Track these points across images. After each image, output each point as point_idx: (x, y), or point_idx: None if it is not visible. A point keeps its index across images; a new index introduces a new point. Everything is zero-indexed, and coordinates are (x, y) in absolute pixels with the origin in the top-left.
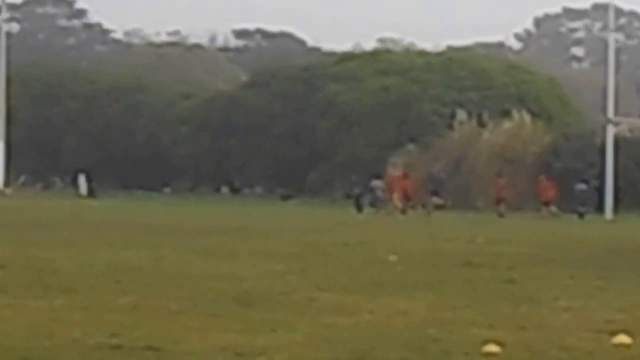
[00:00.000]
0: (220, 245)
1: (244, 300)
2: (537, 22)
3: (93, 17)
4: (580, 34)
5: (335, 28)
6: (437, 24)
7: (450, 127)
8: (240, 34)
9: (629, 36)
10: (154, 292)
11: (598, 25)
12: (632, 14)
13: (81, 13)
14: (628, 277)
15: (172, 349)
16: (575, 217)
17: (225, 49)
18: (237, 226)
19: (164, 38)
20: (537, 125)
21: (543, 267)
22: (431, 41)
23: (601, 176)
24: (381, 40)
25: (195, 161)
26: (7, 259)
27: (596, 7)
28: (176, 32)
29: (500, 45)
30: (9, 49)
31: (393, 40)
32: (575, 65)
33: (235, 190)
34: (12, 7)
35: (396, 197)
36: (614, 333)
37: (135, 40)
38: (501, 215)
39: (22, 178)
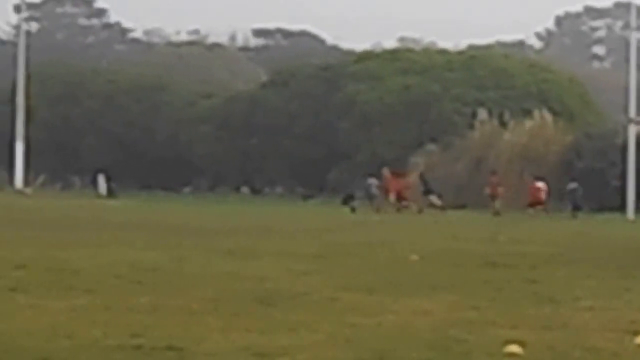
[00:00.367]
0: (241, 245)
1: (265, 300)
2: (558, 20)
3: (112, 17)
4: (601, 33)
5: (355, 27)
6: (458, 23)
7: (471, 126)
8: (260, 33)
9: None
10: (175, 292)
11: (619, 24)
12: None
13: (101, 12)
14: None
15: (193, 349)
16: (593, 216)
17: (245, 48)
18: (258, 226)
19: (183, 37)
20: (559, 124)
21: (565, 267)
22: (452, 40)
23: (623, 176)
24: (401, 39)
25: (215, 161)
26: (27, 259)
27: (618, 5)
28: (196, 32)
29: (521, 44)
30: (28, 48)
31: (413, 39)
32: (596, 64)
33: (255, 190)
34: (31, 6)
35: (392, 197)
36: (637, 333)
37: (155, 40)
38: (497, 213)
39: (42, 178)
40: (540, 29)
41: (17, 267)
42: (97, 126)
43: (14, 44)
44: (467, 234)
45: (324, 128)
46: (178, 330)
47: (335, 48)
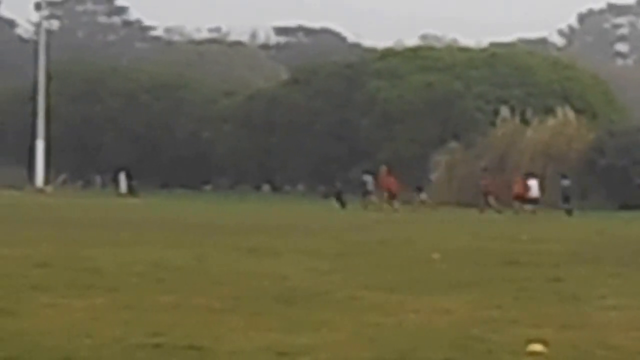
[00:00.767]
0: (263, 243)
1: (286, 299)
2: (581, 18)
3: (133, 14)
4: (624, 30)
5: (377, 24)
6: (480, 21)
7: (494, 124)
8: (281, 30)
9: None
10: (196, 291)
11: None
12: None
13: (121, 10)
14: None
15: (215, 348)
16: (616, 214)
17: (266, 46)
18: (279, 224)
19: (204, 35)
20: (582, 122)
21: (588, 265)
22: (474, 38)
23: None
24: (423, 37)
25: (237, 159)
26: (49, 257)
27: None
28: (217, 29)
29: (544, 41)
30: (49, 47)
31: (435, 37)
32: (619, 61)
33: (276, 188)
34: (52, 4)
35: (386, 195)
36: None
37: (176, 38)
38: (482, 210)
39: (63, 176)
40: (562, 26)
41: (38, 265)
42: (118, 124)
43: (35, 42)
44: (488, 232)
45: (345, 126)
46: (199, 329)
47: (356, 46)
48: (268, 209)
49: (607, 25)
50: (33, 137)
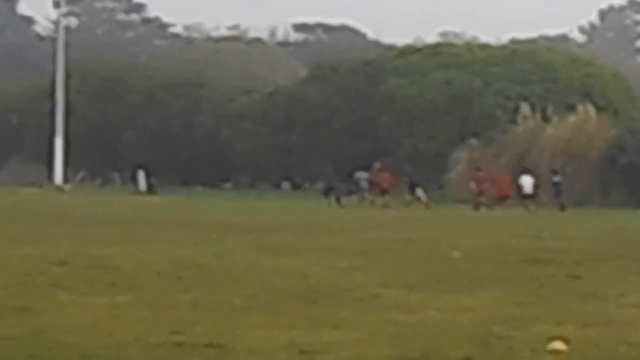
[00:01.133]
0: (283, 241)
1: (307, 297)
2: (602, 14)
3: (152, 12)
4: None
5: (396, 21)
6: (500, 17)
7: (514, 121)
8: (300, 27)
9: None
10: (217, 289)
11: None
12: None
13: (140, 7)
14: None
15: (235, 346)
16: (637, 211)
17: (285, 43)
18: (299, 222)
19: (223, 32)
20: (603, 119)
21: (610, 262)
22: (493, 34)
23: None
24: (443, 34)
25: (256, 157)
26: (68, 255)
27: None
28: (236, 27)
29: (564, 38)
30: (67, 44)
31: (455, 34)
32: None
33: (296, 186)
34: (70, 1)
35: (377, 190)
36: None
37: (195, 35)
38: (477, 208)
39: (81, 174)
40: (583, 22)
41: (58, 263)
42: (137, 122)
43: (53, 40)
44: (509, 230)
45: (365, 123)
46: (219, 327)
47: (376, 43)
48: (288, 207)
49: (628, 22)
50: (52, 134)
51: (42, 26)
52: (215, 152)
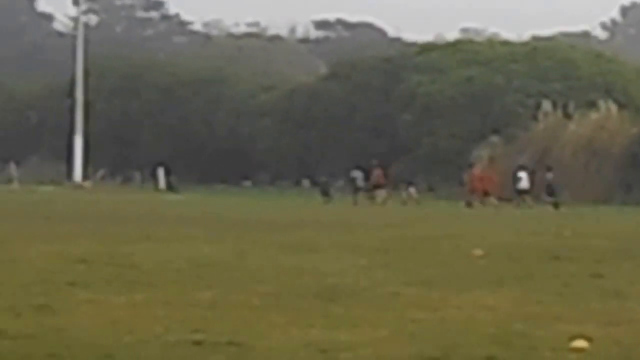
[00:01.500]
0: (303, 239)
1: (327, 296)
2: (624, 10)
3: (171, 9)
4: None
5: (417, 18)
6: (521, 14)
7: (535, 118)
8: (320, 24)
9: None
10: (236, 287)
11: None
12: None
13: (159, 4)
14: None
15: (255, 344)
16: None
17: (305, 40)
18: (319, 220)
19: (243, 29)
20: (624, 116)
21: (632, 260)
22: (515, 31)
23: None
24: (464, 31)
25: (276, 154)
26: (88, 253)
27: None
28: (255, 24)
29: (586, 34)
30: (87, 41)
31: (476, 31)
32: None
33: (316, 183)
34: None
35: (382, 190)
36: None
37: (214, 32)
38: (470, 204)
39: (101, 172)
40: (605, 19)
41: (77, 261)
42: (156, 119)
43: (73, 37)
44: (530, 227)
45: (385, 121)
46: (239, 325)
47: (396, 40)
48: (308, 205)
49: None
50: (71, 132)
51: (62, 23)
52: (235, 149)
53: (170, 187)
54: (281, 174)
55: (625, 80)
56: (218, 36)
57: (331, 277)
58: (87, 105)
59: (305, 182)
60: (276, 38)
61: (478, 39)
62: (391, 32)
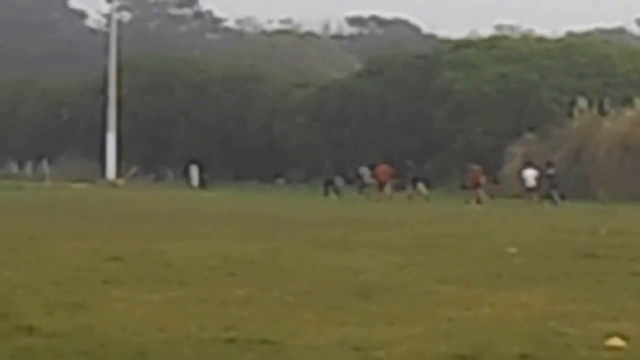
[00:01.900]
0: (336, 237)
1: (360, 293)
2: None
3: (204, 5)
4: None
5: (451, 15)
6: (555, 10)
7: (570, 115)
8: (354, 21)
9: None
10: (269, 285)
11: None
12: None
13: (192, 1)
14: None
15: (288, 342)
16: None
17: (338, 37)
18: (353, 217)
19: (276, 26)
20: None
21: None
22: (549, 27)
23: None
24: (498, 27)
25: (309, 151)
26: (120, 251)
27: None
28: (288, 20)
29: (621, 30)
30: (119, 38)
31: (510, 27)
32: None
33: (349, 181)
34: None
35: (387, 185)
36: None
37: (247, 29)
38: (479, 201)
39: (134, 169)
40: None
41: (110, 259)
42: (189, 117)
43: (106, 34)
44: (565, 225)
45: (419, 117)
46: (272, 323)
47: (430, 36)
48: (341, 202)
49: None
50: (104, 130)
51: (94, 20)
52: (268, 146)
53: (203, 185)
54: (314, 172)
55: None
56: (251, 33)
57: (365, 274)
58: (119, 103)
59: (339, 180)
60: (309, 35)
61: (513, 35)
62: (425, 29)
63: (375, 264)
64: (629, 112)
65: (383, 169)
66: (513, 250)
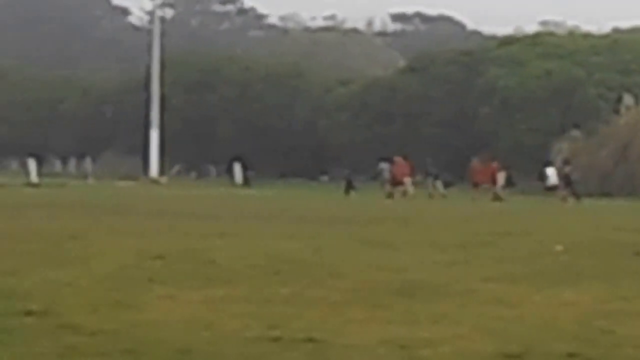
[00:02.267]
0: (380, 234)
1: (405, 292)
2: None
3: (247, 2)
4: None
5: (496, 11)
6: (601, 6)
7: (616, 112)
8: (398, 17)
9: None
10: (314, 283)
11: None
12: None
13: None
14: None
15: (333, 341)
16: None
17: (382, 34)
18: (397, 215)
19: (319, 23)
20: None
21: None
22: (595, 23)
23: None
24: (543, 23)
25: (353, 148)
26: (164, 249)
27: None
28: (332, 17)
29: None
30: (162, 35)
31: (555, 23)
32: None
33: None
34: None
35: (407, 181)
36: None
37: (291, 25)
38: (497, 197)
39: (177, 167)
40: None
41: (154, 257)
42: (233, 114)
43: (149, 31)
44: (612, 223)
45: (464, 114)
46: (317, 321)
47: (475, 33)
48: (386, 199)
49: None
50: (147, 127)
51: (137, 17)
52: (312, 144)
53: (246, 182)
54: (358, 169)
55: None
56: (294, 30)
57: (410, 272)
58: (162, 100)
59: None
60: (353, 31)
61: (558, 31)
62: (470, 25)
63: (420, 261)
64: None
65: (400, 165)
66: (559, 247)
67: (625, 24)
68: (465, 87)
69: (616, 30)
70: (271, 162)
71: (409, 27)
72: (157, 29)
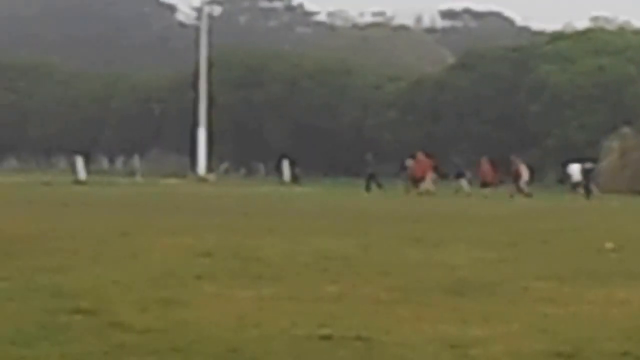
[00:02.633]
0: (429, 232)
1: (456, 290)
2: None
3: None
4: None
5: (546, 7)
6: None
7: None
8: (447, 14)
9: None
10: (363, 281)
11: None
12: None
13: None
14: None
15: (383, 339)
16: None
17: (431, 30)
18: (446, 212)
19: (368, 19)
20: None
21: None
22: None
23: None
24: (594, 19)
25: (402, 146)
26: (213, 246)
27: None
28: (381, 13)
29: None
30: (210, 32)
31: (606, 19)
32: None
33: (442, 175)
34: None
35: (428, 179)
36: None
37: (339, 22)
38: (529, 194)
39: (225, 164)
40: None
41: (203, 254)
42: (281, 111)
43: (196, 28)
44: None
45: (514, 111)
46: (367, 320)
47: (525, 29)
48: (434, 197)
49: None
50: (195, 124)
51: (184, 14)
52: (360, 141)
53: (295, 180)
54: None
55: None
56: (342, 26)
57: (460, 270)
58: (210, 97)
59: (432, 174)
60: (402, 28)
61: (609, 27)
62: (519, 21)
63: (469, 260)
64: None
65: (420, 161)
66: (610, 245)
67: None
68: (514, 83)
69: None
70: (319, 159)
71: (457, 24)
72: (204, 26)
